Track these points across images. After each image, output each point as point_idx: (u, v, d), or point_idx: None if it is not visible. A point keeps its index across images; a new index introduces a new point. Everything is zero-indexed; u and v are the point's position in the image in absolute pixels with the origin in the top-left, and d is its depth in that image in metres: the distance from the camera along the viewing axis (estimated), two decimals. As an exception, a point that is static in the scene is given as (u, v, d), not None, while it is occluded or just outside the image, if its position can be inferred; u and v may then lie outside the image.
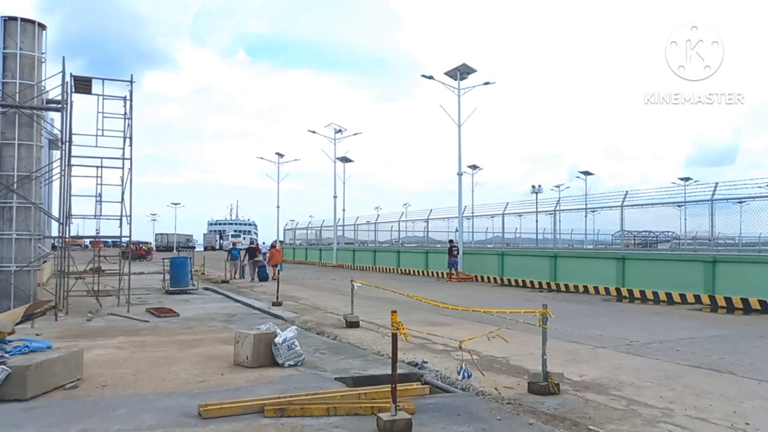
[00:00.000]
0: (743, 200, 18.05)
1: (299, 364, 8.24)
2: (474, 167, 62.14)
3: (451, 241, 28.31)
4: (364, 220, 39.74)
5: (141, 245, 62.57)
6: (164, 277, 20.77)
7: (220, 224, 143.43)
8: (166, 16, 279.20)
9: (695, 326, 12.71)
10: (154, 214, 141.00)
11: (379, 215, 36.92)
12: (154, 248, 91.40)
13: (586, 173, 63.22)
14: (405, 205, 30.46)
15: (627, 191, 19.79)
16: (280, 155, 52.32)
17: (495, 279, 25.33)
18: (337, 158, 47.42)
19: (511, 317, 8.72)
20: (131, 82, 15.03)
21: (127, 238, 15.83)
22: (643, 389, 7.20)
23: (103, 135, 15.53)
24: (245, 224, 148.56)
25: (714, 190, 16.90)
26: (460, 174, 27.41)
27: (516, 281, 24.01)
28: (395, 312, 6.09)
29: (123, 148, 15.85)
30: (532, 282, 23.17)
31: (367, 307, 15.55)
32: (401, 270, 32.80)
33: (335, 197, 42.23)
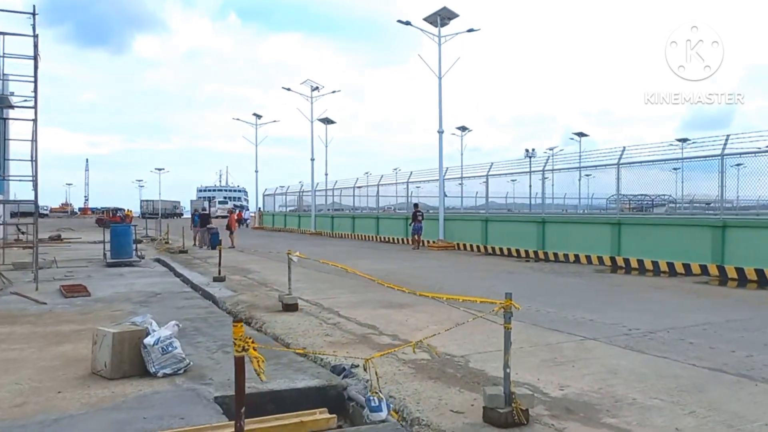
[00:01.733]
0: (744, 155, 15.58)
1: (179, 371, 6.03)
2: (463, 128, 59.65)
3: (416, 206, 26.28)
4: (343, 185, 37.35)
5: (117, 212, 60.20)
6: (104, 248, 18.50)
7: (209, 190, 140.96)
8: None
9: (707, 306, 10.54)
10: (139, 180, 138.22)
11: (358, 179, 34.56)
12: (138, 215, 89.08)
13: (581, 134, 60.77)
14: (395, 170, 28.07)
15: (624, 147, 17.53)
16: (258, 116, 49.64)
17: (478, 247, 23.16)
18: (319, 119, 44.85)
19: (485, 291, 6.51)
20: (34, 14, 12.49)
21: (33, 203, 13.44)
22: (650, 412, 5.03)
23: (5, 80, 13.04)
24: (235, 191, 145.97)
25: (725, 144, 14.62)
26: (440, 132, 25.04)
27: (501, 250, 21.86)
28: (239, 323, 3.82)
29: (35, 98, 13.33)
30: (518, 251, 21.03)
31: (322, 282, 13.41)
32: (380, 238, 30.62)
33: (312, 159, 39.83)
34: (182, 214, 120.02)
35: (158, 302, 10.70)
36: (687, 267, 15.21)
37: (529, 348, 7.26)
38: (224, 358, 6.62)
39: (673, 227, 16.17)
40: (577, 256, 18.55)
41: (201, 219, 27.00)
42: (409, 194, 29.17)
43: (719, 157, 14.67)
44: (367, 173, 31.51)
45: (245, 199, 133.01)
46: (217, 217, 62.49)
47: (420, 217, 25.23)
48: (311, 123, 40.13)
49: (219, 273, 14.27)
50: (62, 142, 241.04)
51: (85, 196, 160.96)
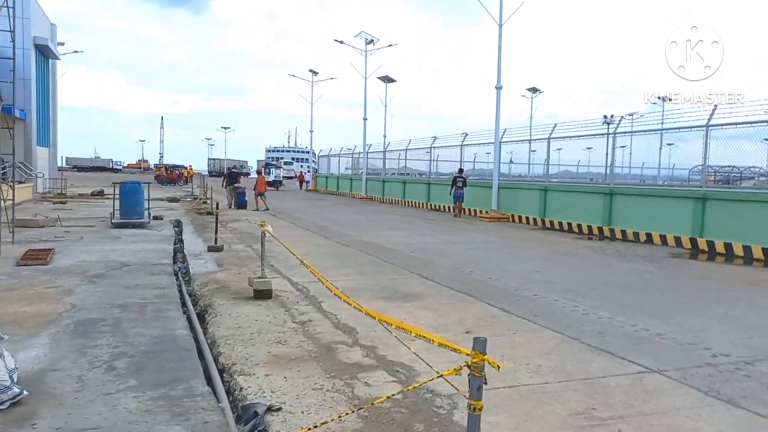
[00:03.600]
0: None
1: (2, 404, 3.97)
2: (534, 90, 55.74)
3: (460, 171, 24.36)
4: (395, 147, 34.87)
5: (175, 168, 60.05)
6: (113, 207, 16.94)
7: (277, 151, 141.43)
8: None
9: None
10: (209, 139, 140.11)
11: (411, 141, 31.98)
12: (205, 173, 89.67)
13: (664, 99, 55.50)
14: (463, 134, 25.31)
15: (716, 105, 14.31)
16: (315, 72, 47.55)
17: (534, 220, 20.40)
18: (378, 77, 42.41)
19: (523, 280, 4.18)
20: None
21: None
22: None
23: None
24: (302, 152, 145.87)
25: None
26: (498, 87, 22.06)
27: (560, 224, 19.05)
28: None
29: None
30: (580, 226, 18.19)
31: (332, 258, 11.29)
32: (431, 205, 28.14)
33: (365, 119, 37.42)
34: (249, 174, 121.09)
35: (115, 277, 8.80)
36: (790, 256, 12.15)
37: (557, 384, 4.83)
38: (97, 381, 4.54)
39: (775, 205, 12.98)
40: (649, 236, 15.60)
41: (228, 177, 25.48)
42: (462, 158, 26.43)
43: None
44: (434, 137, 29.00)
45: (313, 161, 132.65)
46: (282, 178, 61.90)
47: (461, 184, 23.25)
48: (365, 79, 37.70)
49: (215, 241, 12.36)
50: (142, 101, 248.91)
51: (160, 153, 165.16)
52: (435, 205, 27.59)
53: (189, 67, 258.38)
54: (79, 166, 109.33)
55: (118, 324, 6.18)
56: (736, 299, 8.51)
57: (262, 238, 7.97)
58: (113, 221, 16.13)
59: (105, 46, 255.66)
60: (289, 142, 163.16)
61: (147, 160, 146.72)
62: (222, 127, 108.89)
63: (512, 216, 21.60)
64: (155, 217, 18.44)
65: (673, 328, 6.66)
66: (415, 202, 29.96)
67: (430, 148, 29.25)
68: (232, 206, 24.83)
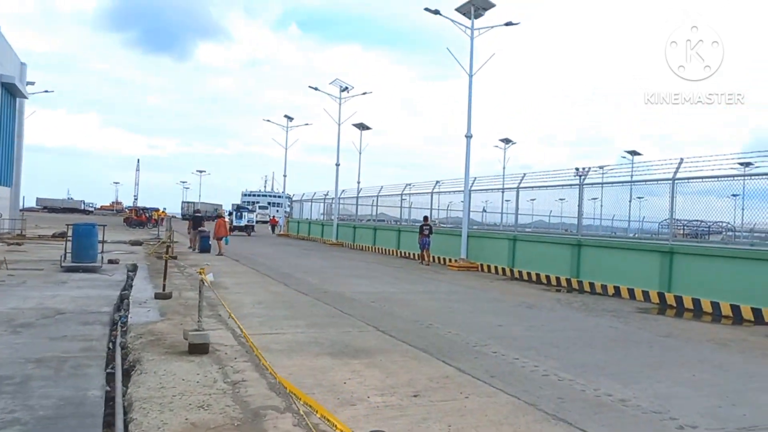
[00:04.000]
0: None
1: None
2: (507, 141, 56.39)
3: (425, 218, 24.39)
4: (366, 193, 34.61)
5: (143, 211, 58.98)
6: (65, 249, 16.19)
7: (253, 195, 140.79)
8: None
9: (795, 380, 7.28)
10: (184, 182, 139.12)
11: (383, 187, 31.74)
12: (179, 216, 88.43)
13: (633, 153, 56.47)
14: (435, 182, 25.08)
15: (682, 158, 14.25)
16: (290, 118, 47.54)
17: (504, 270, 20.04)
18: (354, 124, 42.57)
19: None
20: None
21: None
22: None
23: None
24: (278, 196, 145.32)
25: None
26: (468, 136, 22.01)
27: (529, 275, 18.69)
28: None
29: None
30: (548, 277, 17.84)
31: (286, 309, 10.68)
32: (401, 252, 27.71)
33: (338, 165, 37.24)
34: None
35: (44, 327, 8.13)
36: (758, 313, 11.87)
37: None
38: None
39: (744, 261, 12.76)
40: (617, 289, 15.28)
41: (193, 221, 24.87)
42: (433, 206, 26.19)
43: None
44: (407, 184, 28.80)
45: (288, 205, 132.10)
46: (257, 222, 60.59)
47: (427, 231, 23.25)
48: (338, 125, 37.67)
49: (164, 288, 11.72)
50: (121, 143, 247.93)
51: (135, 196, 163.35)
52: (405, 253, 27.16)
53: (169, 110, 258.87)
54: (50, 207, 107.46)
55: (25, 383, 5.53)
56: (703, 361, 8.11)
57: (200, 287, 7.39)
58: (63, 264, 15.38)
59: (86, 88, 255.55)
60: (265, 186, 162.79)
61: (121, 203, 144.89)
62: (197, 171, 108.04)
63: (481, 265, 21.23)
64: (111, 261, 17.72)
65: (638, 393, 6.19)
66: (386, 249, 29.51)
67: (401, 194, 29.01)
68: (195, 250, 24.16)
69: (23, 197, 36.61)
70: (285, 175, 49.08)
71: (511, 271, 19.60)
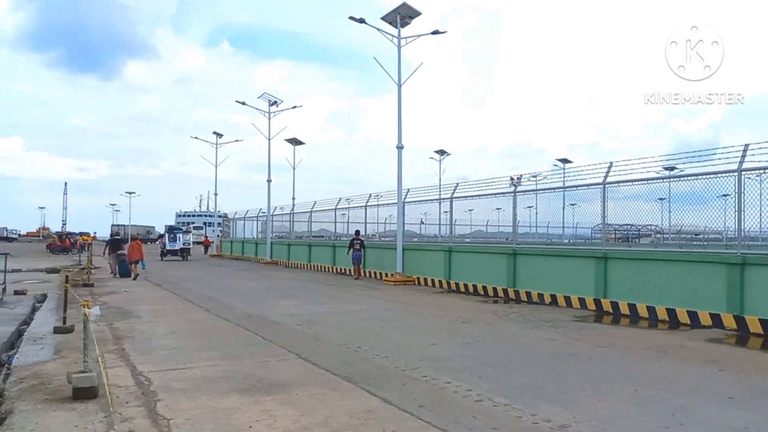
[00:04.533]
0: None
1: None
2: (442, 152, 56.68)
3: (356, 233, 24.26)
4: (300, 209, 33.70)
5: (68, 236, 56.03)
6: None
7: (188, 216, 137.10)
8: (147, 4, 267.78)
9: (737, 389, 6.89)
10: (113, 205, 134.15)
11: (316, 202, 30.95)
12: (103, 240, 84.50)
13: (564, 161, 57.66)
14: (377, 196, 24.39)
15: (611, 162, 14.11)
16: (219, 135, 46.11)
17: (441, 282, 19.54)
18: (287, 140, 41.57)
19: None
20: None
21: None
22: None
23: None
24: (211, 215, 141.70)
25: (743, 156, 11.23)
26: (399, 147, 21.52)
27: (466, 286, 18.25)
28: None
29: None
30: (485, 288, 17.43)
31: (201, 339, 9.72)
32: (336, 269, 26.91)
33: (269, 181, 36.14)
34: (156, 240, 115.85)
35: None
36: (693, 316, 11.70)
37: None
38: None
39: (675, 263, 12.62)
40: (554, 297, 14.97)
41: (111, 244, 23.44)
42: (367, 219, 25.54)
43: (736, 173, 11.25)
44: (348, 199, 28.03)
45: (226, 224, 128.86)
46: (192, 244, 57.44)
47: (358, 246, 23.24)
48: (268, 140, 36.64)
49: (64, 321, 10.55)
50: (48, 167, 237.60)
51: (63, 221, 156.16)
52: (340, 269, 26.38)
53: (97, 132, 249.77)
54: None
55: None
56: (645, 373, 7.67)
57: (85, 322, 6.41)
58: (-44, 299, 13.86)
59: (7, 111, 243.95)
60: (200, 206, 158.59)
61: (48, 228, 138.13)
62: (126, 192, 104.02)
63: (418, 279, 20.69)
64: (17, 292, 16.22)
65: (579, 417, 5.64)
66: (321, 266, 28.64)
67: (335, 209, 28.27)
68: (116, 275, 22.70)
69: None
70: (216, 194, 47.71)
71: (448, 283, 19.12)
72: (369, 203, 25.37)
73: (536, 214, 30.04)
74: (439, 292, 18.33)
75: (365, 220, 25.84)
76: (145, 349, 8.83)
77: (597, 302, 13.79)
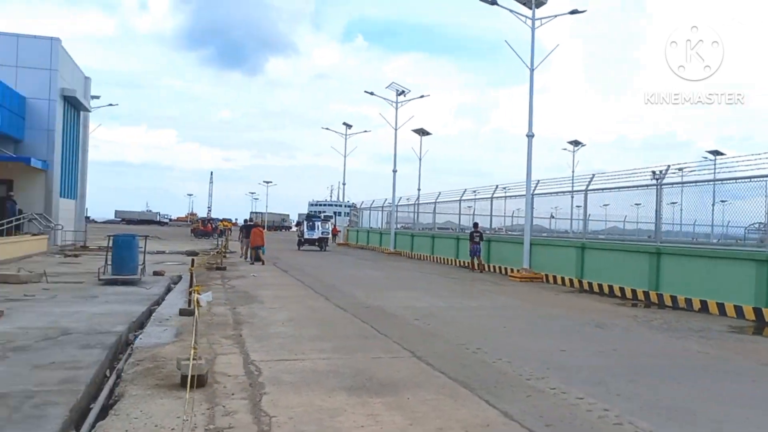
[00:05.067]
0: None
1: None
2: (576, 143, 53.81)
3: (475, 225, 23.75)
4: (425, 200, 33.28)
5: (209, 222, 59.69)
6: (106, 261, 15.65)
7: (319, 205, 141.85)
8: (289, 2, 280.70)
9: None
10: (252, 193, 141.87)
11: (440, 193, 30.35)
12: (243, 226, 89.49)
13: (715, 153, 52.69)
14: (503, 188, 23.56)
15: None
16: (348, 126, 46.87)
17: (570, 281, 18.25)
18: (414, 130, 41.43)
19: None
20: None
21: None
22: None
23: None
24: (344, 206, 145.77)
25: None
26: (530, 136, 20.37)
27: (600, 287, 16.85)
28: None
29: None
30: (623, 290, 15.96)
31: (316, 327, 9.51)
32: (459, 262, 26.19)
33: (395, 171, 36.03)
34: (290, 227, 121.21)
35: (37, 350, 7.25)
36: None
37: None
38: None
39: None
40: (704, 303, 13.33)
41: (245, 230, 24.35)
42: (492, 211, 24.60)
43: None
44: (474, 191, 27.32)
45: (355, 214, 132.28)
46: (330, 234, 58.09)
47: (477, 239, 22.89)
48: (395, 130, 36.53)
49: (189, 304, 10.77)
50: (197, 156, 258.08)
51: (208, 207, 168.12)
52: (464, 262, 25.62)
53: (241, 124, 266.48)
54: (128, 219, 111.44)
55: (-38, 429, 4.54)
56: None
57: (195, 309, 6.28)
58: (101, 277, 14.81)
59: (165, 105, 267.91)
60: (331, 196, 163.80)
61: (195, 214, 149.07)
62: (264, 182, 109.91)
63: (546, 276, 19.50)
64: (156, 273, 17.17)
65: (744, 454, 4.63)
66: (444, 258, 28.06)
67: (460, 200, 27.52)
68: (248, 259, 23.64)
69: (86, 209, 37.01)
70: (344, 183, 48.68)
71: (580, 282, 17.80)
72: (495, 195, 24.38)
73: (681, 210, 27.54)
74: (570, 292, 17.09)
75: (491, 212, 24.89)
76: (262, 336, 8.73)
77: (758, 312, 12.05)
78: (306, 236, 35.33)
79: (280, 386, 6.09)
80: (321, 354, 7.64)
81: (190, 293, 11.02)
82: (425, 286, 16.80)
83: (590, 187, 18.45)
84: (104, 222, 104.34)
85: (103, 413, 5.44)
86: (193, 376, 5.91)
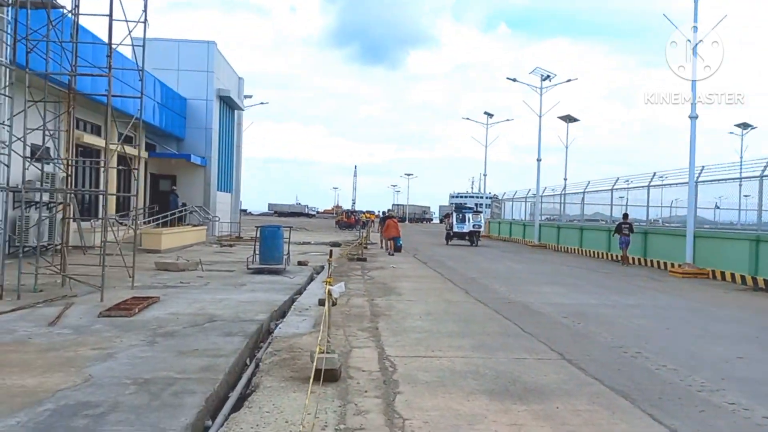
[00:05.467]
0: None
1: None
2: (744, 126, 48.43)
3: (624, 215, 22.42)
4: (572, 189, 31.52)
5: (353, 214, 61.23)
6: (254, 251, 16.27)
7: (461, 197, 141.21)
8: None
9: None
10: (394, 186, 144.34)
11: (589, 182, 28.52)
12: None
13: None
14: (661, 176, 21.74)
15: None
16: (489, 115, 45.78)
17: (743, 278, 16.22)
18: (560, 117, 39.64)
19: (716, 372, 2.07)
20: None
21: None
22: None
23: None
24: (485, 197, 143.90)
25: None
26: (693, 117, 18.36)
27: (779, 285, 14.79)
28: None
29: None
30: (808, 288, 13.87)
31: (455, 323, 9.12)
32: (612, 256, 24.42)
33: (539, 160, 34.50)
34: (431, 219, 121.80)
35: (184, 336, 7.48)
36: None
37: None
38: None
39: None
40: None
41: (383, 222, 24.47)
42: (649, 201, 22.62)
43: None
44: (626, 179, 25.51)
45: (496, 206, 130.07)
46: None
47: (626, 230, 21.51)
48: (539, 117, 34.93)
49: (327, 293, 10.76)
50: (342, 151, 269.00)
51: (353, 200, 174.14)
52: (616, 256, 23.86)
53: (383, 119, 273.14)
54: (279, 211, 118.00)
55: (105, 415, 4.63)
56: None
57: (327, 301, 6.08)
58: (250, 267, 15.42)
59: (312, 103, 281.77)
60: (472, 187, 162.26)
61: (340, 206, 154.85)
62: (405, 174, 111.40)
63: (712, 272, 17.52)
64: (300, 263, 17.64)
65: None
66: (593, 252, 26.35)
67: (612, 189, 25.67)
68: (388, 251, 23.78)
69: (240, 202, 39.23)
70: (485, 174, 47.69)
71: (754, 279, 15.75)
72: (652, 183, 22.38)
73: None
74: (742, 290, 15.17)
75: (647, 202, 22.92)
76: (398, 329, 8.44)
77: None
78: (455, 229, 32.15)
79: (415, 386, 5.72)
80: (459, 352, 7.18)
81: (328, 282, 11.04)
82: (573, 281, 15.72)
83: (766, 173, 16.24)
84: (259, 214, 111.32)
85: (239, 402, 5.41)
86: (327, 370, 5.73)
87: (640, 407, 5.29)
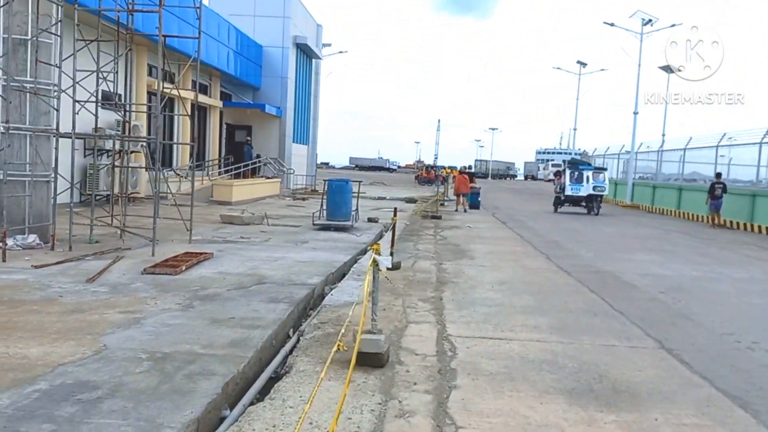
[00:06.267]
0: None
1: None
2: None
3: (718, 175, 20.76)
4: (672, 146, 28.87)
5: (432, 169, 59.83)
6: (321, 207, 15.52)
7: (548, 153, 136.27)
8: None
9: None
10: (478, 140, 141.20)
11: (691, 138, 25.88)
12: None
13: None
14: (765, 129, 19.40)
15: None
16: (583, 64, 42.83)
17: None
18: (660, 67, 36.35)
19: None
20: None
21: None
22: None
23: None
24: (574, 154, 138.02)
25: None
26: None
27: None
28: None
29: None
30: None
31: (531, 295, 7.97)
32: (713, 219, 22.12)
33: (635, 113, 31.70)
34: (515, 176, 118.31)
35: (223, 301, 6.76)
36: None
37: None
38: None
39: None
40: None
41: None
42: (760, 161, 20.12)
43: None
44: (723, 134, 22.92)
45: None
46: (549, 180, 55.57)
47: (719, 191, 19.96)
48: (638, 66, 31.98)
49: (392, 255, 9.85)
50: (427, 104, 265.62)
51: (435, 155, 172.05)
52: (722, 220, 21.59)
53: (468, 70, 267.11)
54: (360, 165, 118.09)
55: (99, 401, 3.91)
56: None
57: (373, 272, 5.12)
58: (316, 223, 14.72)
59: (396, 52, 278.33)
60: (560, 143, 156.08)
61: (422, 161, 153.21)
62: (489, 128, 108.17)
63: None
64: (370, 219, 16.86)
65: None
66: (693, 215, 24.04)
67: (717, 146, 23.14)
68: (460, 208, 22.71)
69: (316, 154, 38.71)
70: (575, 129, 45.22)
71: None
72: (765, 140, 19.86)
73: None
74: None
75: (758, 161, 20.45)
76: (465, 301, 7.42)
77: None
78: (570, 192, 23.90)
79: (477, 378, 4.72)
80: (534, 333, 6.09)
81: (392, 246, 10.12)
82: (671, 248, 14.07)
83: None
84: (341, 168, 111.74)
85: (270, 383, 4.64)
86: (371, 354, 4.83)
87: (762, 421, 4.08)
